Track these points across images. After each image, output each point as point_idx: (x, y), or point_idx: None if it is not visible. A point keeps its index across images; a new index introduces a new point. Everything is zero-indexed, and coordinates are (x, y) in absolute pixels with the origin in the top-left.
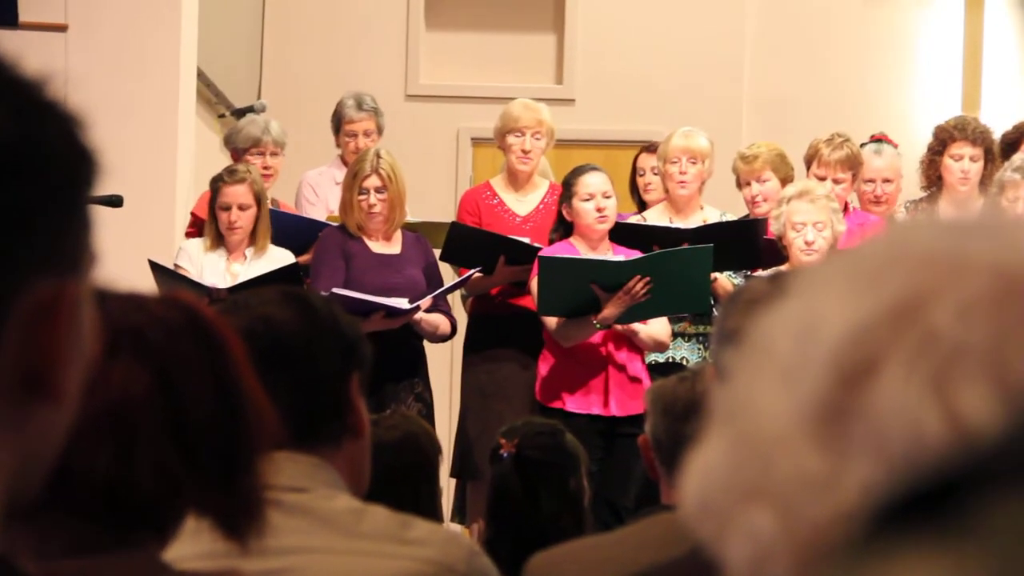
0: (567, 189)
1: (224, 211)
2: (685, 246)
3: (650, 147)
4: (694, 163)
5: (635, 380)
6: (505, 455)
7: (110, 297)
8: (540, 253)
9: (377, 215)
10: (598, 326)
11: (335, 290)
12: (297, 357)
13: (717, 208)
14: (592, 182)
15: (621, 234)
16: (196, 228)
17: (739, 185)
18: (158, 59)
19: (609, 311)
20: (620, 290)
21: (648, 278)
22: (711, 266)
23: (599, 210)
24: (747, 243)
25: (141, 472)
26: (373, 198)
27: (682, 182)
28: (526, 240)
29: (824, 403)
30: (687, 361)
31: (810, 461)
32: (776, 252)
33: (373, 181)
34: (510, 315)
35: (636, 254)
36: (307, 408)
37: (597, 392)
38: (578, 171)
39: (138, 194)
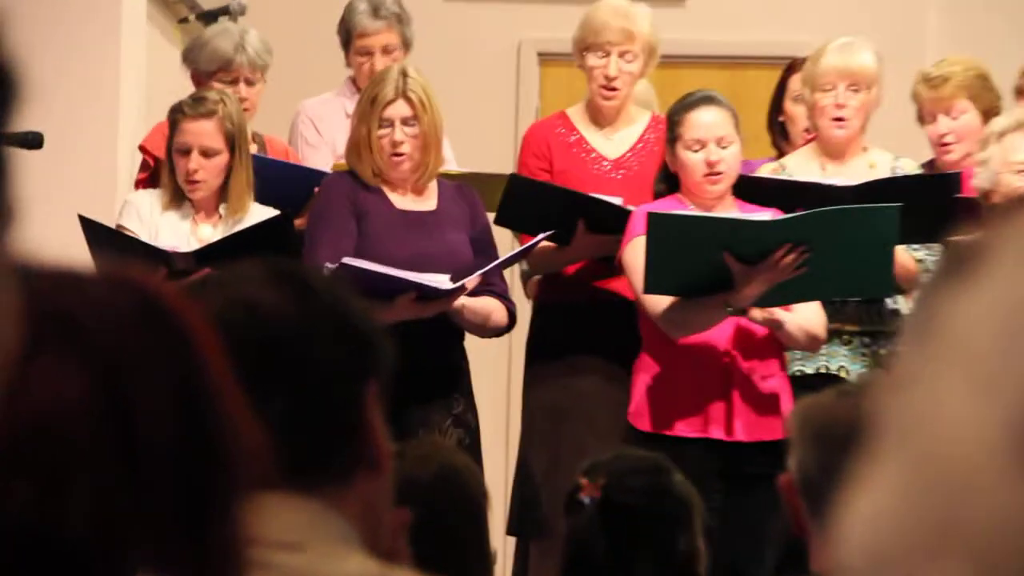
0: (671, 128)
1: (182, 155)
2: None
3: (804, 62)
4: (856, 90)
5: (771, 397)
6: (587, 501)
7: (32, 272)
8: (648, 209)
9: (404, 157)
10: (730, 311)
11: (345, 260)
12: (291, 360)
13: (888, 151)
14: (702, 121)
15: (749, 190)
16: (148, 174)
17: (922, 119)
18: None
19: (748, 290)
20: (764, 261)
21: (804, 246)
22: (897, 233)
23: (710, 164)
24: (936, 204)
25: (74, 513)
26: (399, 132)
27: (839, 119)
28: (617, 200)
29: None
30: (846, 372)
31: (1021, 499)
32: (980, 216)
33: (399, 108)
34: (593, 304)
35: (776, 214)
36: (306, 431)
37: (717, 411)
38: (685, 104)
39: (66, 130)
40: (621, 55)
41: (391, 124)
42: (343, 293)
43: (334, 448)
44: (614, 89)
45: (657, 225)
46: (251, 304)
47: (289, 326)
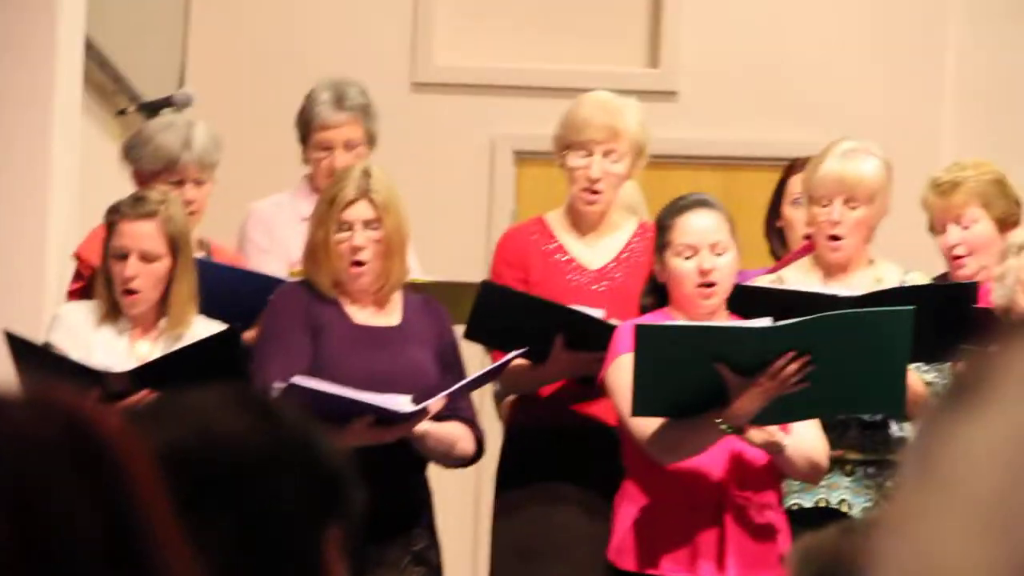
0: (660, 235)
1: (119, 260)
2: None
3: (805, 163)
4: (854, 206)
5: (767, 533)
6: None
7: None
8: (635, 323)
9: (364, 269)
10: (725, 429)
11: (296, 379)
12: (250, 497)
13: (898, 264)
14: (694, 227)
15: (744, 303)
16: (83, 284)
17: (932, 229)
18: (23, 26)
19: (744, 404)
20: (763, 372)
21: (806, 356)
22: (910, 340)
23: (703, 273)
24: (948, 318)
25: None
26: (360, 237)
27: (833, 238)
28: (599, 313)
29: None
30: (848, 506)
31: None
32: (998, 332)
33: (360, 210)
34: (571, 429)
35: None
36: None
37: (708, 547)
38: (676, 207)
39: None
40: (606, 154)
41: (351, 227)
42: (311, 424)
43: None
44: (597, 192)
45: (645, 338)
46: (208, 433)
47: (249, 458)
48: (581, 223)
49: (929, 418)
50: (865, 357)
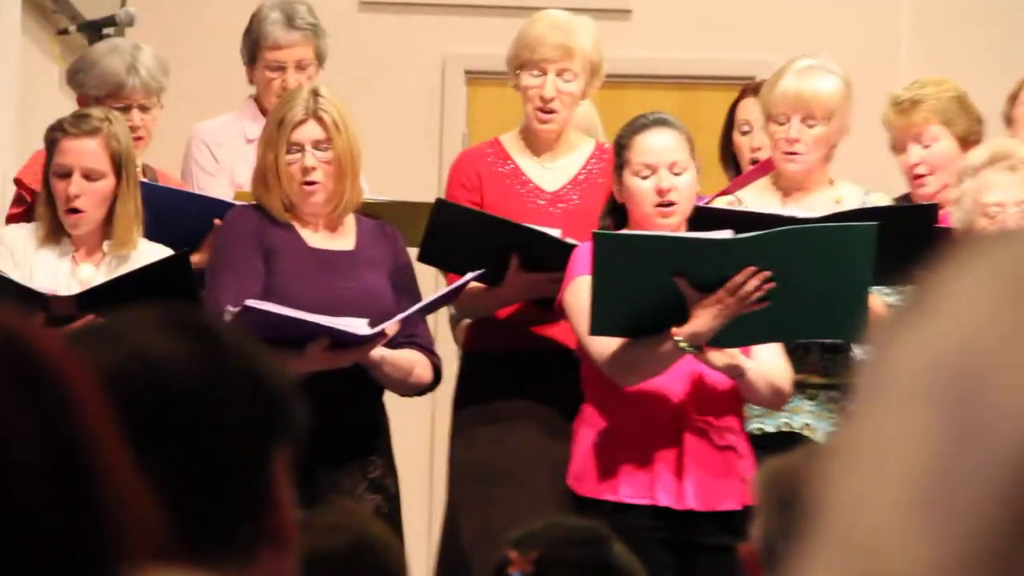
0: (618, 154)
1: (61, 179)
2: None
3: (757, 87)
4: (811, 124)
5: (728, 457)
6: None
7: None
8: (596, 232)
9: (316, 187)
10: (683, 346)
11: (249, 302)
12: (191, 421)
13: (859, 185)
14: (653, 145)
15: (703, 224)
16: (24, 208)
17: (893, 148)
18: None
19: (701, 322)
20: (722, 287)
21: (767, 272)
22: (873, 257)
23: (661, 192)
24: (909, 240)
25: None
26: (310, 158)
27: (791, 154)
28: (555, 232)
29: (992, 550)
30: (811, 430)
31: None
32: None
33: (310, 131)
34: (528, 352)
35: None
36: (204, 501)
37: (666, 472)
38: (634, 126)
39: None
40: (559, 73)
41: (301, 149)
42: (252, 345)
43: (236, 520)
44: (551, 112)
45: (603, 248)
46: (147, 357)
47: (190, 382)
48: (537, 144)
49: (875, 340)
50: (827, 274)
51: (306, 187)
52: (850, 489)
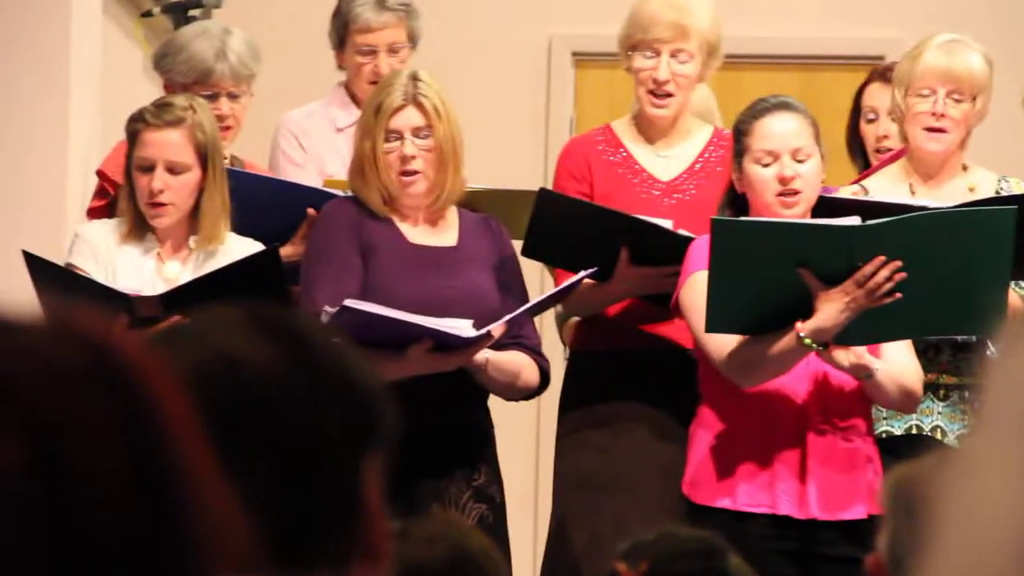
0: (737, 140)
1: (144, 173)
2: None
3: (885, 71)
4: (959, 99)
5: (853, 460)
6: None
7: None
8: (715, 218)
9: (417, 177)
10: (808, 343)
11: (348, 303)
12: (279, 426)
13: (993, 172)
14: (775, 130)
15: (828, 216)
16: (106, 201)
17: None
18: None
19: (827, 316)
20: (850, 279)
21: (898, 262)
22: (1011, 245)
23: (784, 180)
24: None
25: None
26: (410, 146)
27: (935, 130)
28: (667, 223)
29: None
30: (942, 433)
31: None
32: None
33: (409, 117)
34: (639, 352)
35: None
36: (293, 510)
37: (789, 479)
38: (755, 110)
39: (5, 148)
40: (674, 55)
41: (400, 136)
42: (340, 346)
43: (327, 532)
44: (667, 95)
45: (723, 235)
46: (231, 359)
47: (277, 386)
48: (650, 131)
49: (1006, 345)
50: (962, 264)
51: (406, 177)
52: (961, 512)
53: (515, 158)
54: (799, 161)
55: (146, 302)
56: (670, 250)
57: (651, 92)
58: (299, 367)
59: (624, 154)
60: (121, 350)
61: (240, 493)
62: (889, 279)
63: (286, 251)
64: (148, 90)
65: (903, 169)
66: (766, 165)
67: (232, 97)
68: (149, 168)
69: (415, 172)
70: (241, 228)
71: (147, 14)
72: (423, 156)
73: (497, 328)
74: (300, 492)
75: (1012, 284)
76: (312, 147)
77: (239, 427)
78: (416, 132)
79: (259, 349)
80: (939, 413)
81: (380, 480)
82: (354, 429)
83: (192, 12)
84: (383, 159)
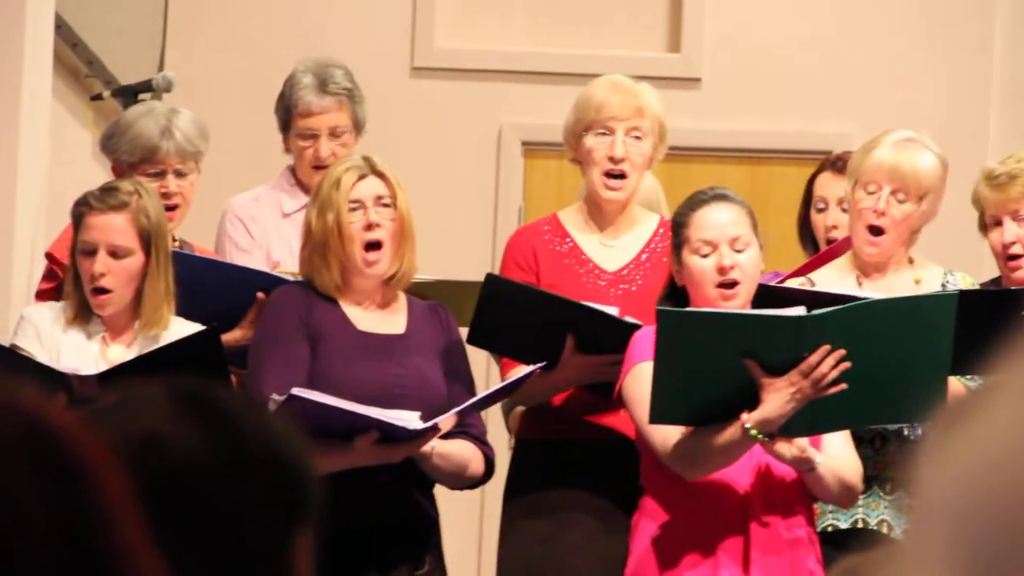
0: (676, 233)
1: (87, 256)
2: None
3: (836, 161)
4: (903, 200)
5: (796, 551)
6: None
7: None
8: (660, 308)
9: (381, 253)
10: (755, 435)
11: (296, 391)
12: (204, 507)
13: (940, 264)
14: (712, 221)
15: (772, 305)
16: (55, 283)
17: (983, 226)
18: None
19: (772, 407)
20: (795, 369)
21: (843, 351)
22: (952, 332)
23: (722, 270)
24: (996, 327)
25: None
26: (375, 214)
27: (876, 230)
28: (612, 310)
29: None
30: (888, 527)
31: None
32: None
33: (372, 186)
34: (584, 441)
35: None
36: None
37: (731, 569)
38: (692, 202)
39: None
40: (628, 132)
41: (363, 206)
42: (264, 420)
43: None
44: (621, 176)
45: (668, 325)
46: (153, 438)
47: (200, 464)
48: (599, 218)
49: (929, 436)
50: (905, 352)
51: (369, 254)
52: None
53: (465, 245)
54: (737, 251)
55: (85, 381)
56: (616, 338)
57: (606, 173)
58: (223, 444)
59: (570, 244)
60: (53, 426)
61: (171, 571)
62: (834, 368)
63: (235, 335)
64: (97, 173)
65: (850, 262)
66: (705, 255)
67: (179, 175)
68: (92, 252)
69: (379, 245)
70: (188, 312)
71: (97, 97)
72: (386, 226)
73: (445, 421)
74: (229, 569)
75: (960, 378)
76: (259, 232)
77: (164, 506)
78: (378, 201)
79: (182, 427)
80: (885, 507)
81: (310, 558)
82: (281, 505)
83: (142, 96)
84: (348, 229)
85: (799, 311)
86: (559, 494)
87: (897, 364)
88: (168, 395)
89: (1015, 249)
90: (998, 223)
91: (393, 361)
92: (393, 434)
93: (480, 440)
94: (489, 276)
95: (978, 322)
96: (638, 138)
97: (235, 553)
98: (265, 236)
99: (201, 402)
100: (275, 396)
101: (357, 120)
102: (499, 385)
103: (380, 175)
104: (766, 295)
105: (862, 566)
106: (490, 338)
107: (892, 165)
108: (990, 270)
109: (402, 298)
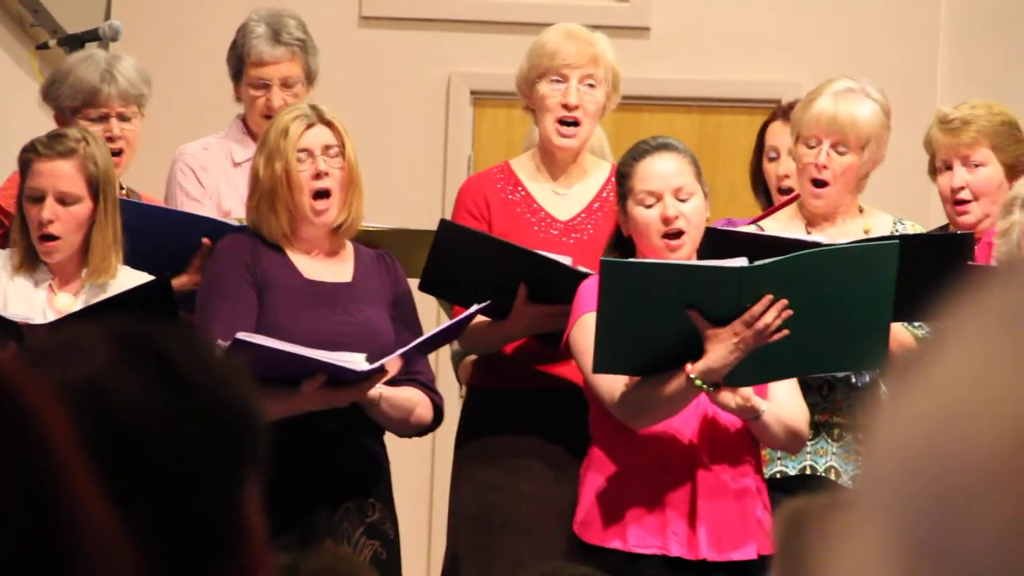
0: (620, 184)
1: (34, 203)
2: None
3: (787, 110)
4: (842, 151)
5: (744, 504)
6: None
7: None
8: (603, 259)
9: (330, 202)
10: (699, 384)
11: (241, 335)
12: (151, 454)
13: (889, 213)
14: (656, 171)
15: (718, 248)
16: (2, 233)
17: (933, 170)
18: None
19: (716, 357)
20: (738, 319)
21: (784, 300)
22: (894, 279)
23: (667, 220)
24: (942, 273)
25: None
26: (323, 163)
27: (818, 183)
28: (566, 260)
29: None
30: (836, 473)
31: None
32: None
33: (320, 135)
34: (535, 390)
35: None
36: (172, 535)
37: (678, 520)
38: (636, 152)
39: None
40: (582, 80)
41: (311, 155)
42: (210, 362)
43: (206, 553)
44: (574, 124)
45: (611, 276)
46: (97, 383)
47: (145, 410)
48: (551, 166)
49: (880, 386)
50: (848, 300)
51: (317, 202)
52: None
53: (413, 195)
54: (682, 200)
55: (35, 331)
56: (569, 288)
57: (560, 121)
58: (168, 387)
59: (523, 193)
60: (2, 372)
61: (120, 519)
62: (777, 317)
63: (180, 280)
64: (43, 122)
65: (798, 211)
66: (649, 206)
67: (122, 119)
68: (40, 198)
69: (327, 194)
70: (136, 260)
71: (43, 46)
72: (335, 175)
73: (391, 362)
74: (177, 517)
75: (907, 324)
76: (209, 181)
77: (110, 452)
78: (326, 150)
79: (126, 371)
80: (833, 453)
81: (260, 502)
82: (229, 448)
83: (89, 45)
84: (296, 178)
85: (741, 262)
86: (511, 441)
87: (840, 312)
88: (111, 339)
89: (963, 194)
90: (948, 167)
91: (340, 309)
92: (340, 376)
93: (428, 387)
94: (443, 222)
95: (923, 268)
96: (592, 86)
97: (183, 496)
98: (215, 185)
99: (145, 345)
100: (220, 342)
101: (309, 71)
102: (445, 325)
103: (328, 124)
104: (714, 238)
105: (807, 510)
106: (442, 285)
107: (829, 118)
108: (938, 215)
109: (349, 247)
